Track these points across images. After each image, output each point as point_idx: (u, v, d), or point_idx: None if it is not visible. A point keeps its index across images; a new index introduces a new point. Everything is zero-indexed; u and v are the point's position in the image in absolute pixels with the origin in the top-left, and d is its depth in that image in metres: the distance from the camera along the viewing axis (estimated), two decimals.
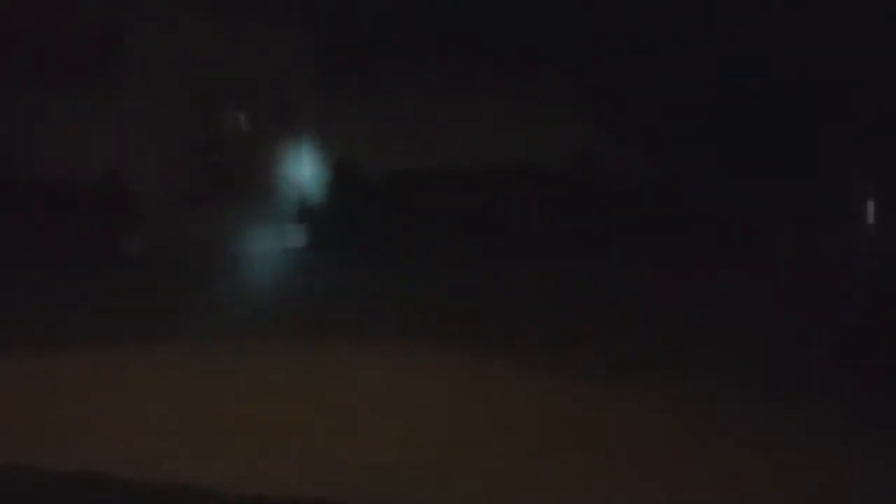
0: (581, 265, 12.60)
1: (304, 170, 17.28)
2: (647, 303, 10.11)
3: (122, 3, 16.85)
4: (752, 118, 16.05)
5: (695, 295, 10.49)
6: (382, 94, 16.95)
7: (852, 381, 7.09)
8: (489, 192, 15.90)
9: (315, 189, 16.82)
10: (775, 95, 16.04)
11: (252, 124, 18.33)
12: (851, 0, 15.30)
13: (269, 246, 15.51)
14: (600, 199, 15.95)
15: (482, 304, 10.21)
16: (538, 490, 4.92)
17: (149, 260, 14.79)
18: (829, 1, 15.52)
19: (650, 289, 10.91)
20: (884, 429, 5.81)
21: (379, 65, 16.53)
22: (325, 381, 7.44)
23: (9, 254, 13.35)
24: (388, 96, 16.95)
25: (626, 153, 16.51)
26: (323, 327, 9.42)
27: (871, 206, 16.09)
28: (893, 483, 4.95)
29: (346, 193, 16.14)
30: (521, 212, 15.72)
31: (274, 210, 16.73)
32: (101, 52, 16.45)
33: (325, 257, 14.51)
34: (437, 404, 6.72)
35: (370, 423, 6.24)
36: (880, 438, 5.63)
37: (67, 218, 15.15)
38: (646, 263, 12.44)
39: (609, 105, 16.41)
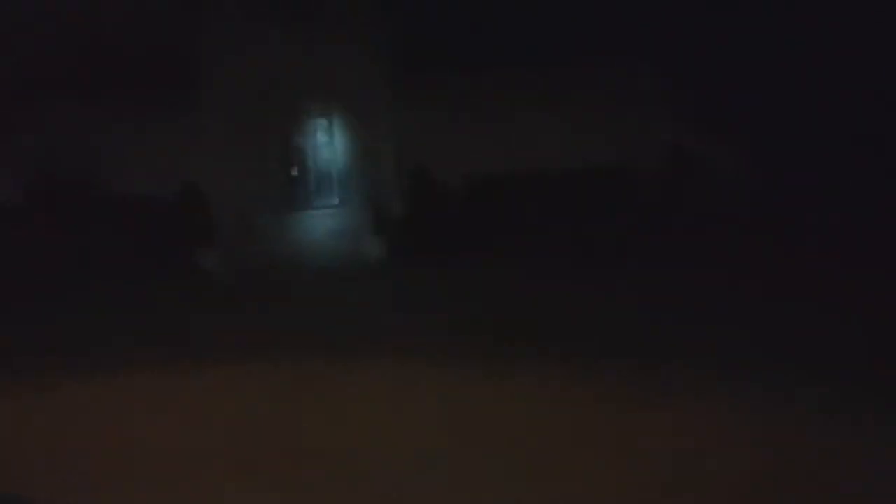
0: (675, 273, 11.63)
1: (383, 177, 16.90)
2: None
3: (199, 18, 16.89)
4: (855, 113, 14.95)
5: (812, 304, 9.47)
6: (462, 96, 16.48)
7: None
8: (575, 195, 15.13)
9: (395, 197, 16.40)
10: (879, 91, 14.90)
11: (330, 134, 18.12)
12: None
13: (352, 256, 15.09)
14: (693, 200, 15.02)
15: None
16: None
17: (237, 274, 14.48)
18: None
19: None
20: None
21: (457, 67, 16.06)
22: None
23: (112, 268, 13.39)
24: (468, 99, 16.48)
25: (720, 151, 15.60)
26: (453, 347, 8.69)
27: None
28: None
29: (427, 200, 15.63)
30: (610, 215, 14.88)
31: (355, 219, 16.38)
32: (181, 68, 16.47)
33: (408, 266, 13.91)
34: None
35: None
36: None
37: (153, 232, 15.09)
38: (752, 273, 11.31)
39: (701, 100, 15.48)
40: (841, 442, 5.42)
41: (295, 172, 18.50)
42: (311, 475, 5.38)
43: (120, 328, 10.33)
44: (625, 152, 15.49)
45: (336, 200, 17.90)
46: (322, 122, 18.48)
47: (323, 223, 17.09)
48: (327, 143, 18.30)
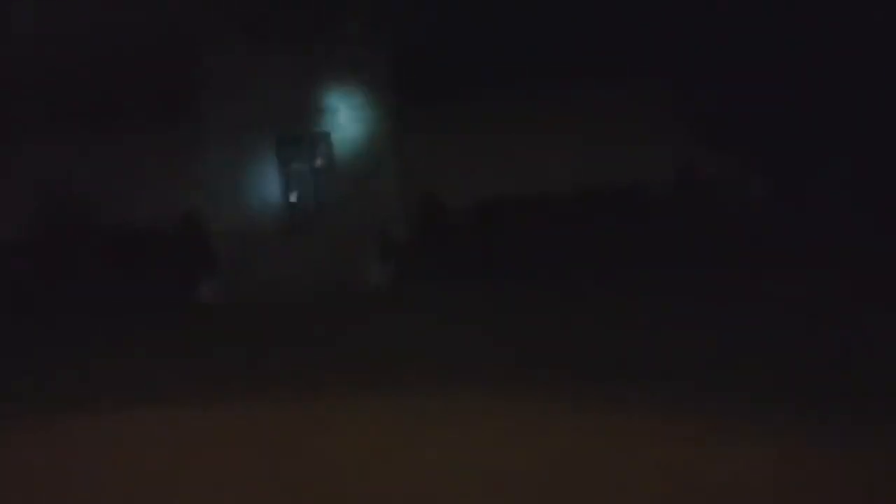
0: (691, 300, 11.16)
1: (387, 204, 16.48)
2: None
3: (196, 45, 16.54)
4: (869, 129, 14.64)
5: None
6: (466, 120, 16.14)
7: None
8: (585, 216, 14.74)
9: (399, 221, 15.98)
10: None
11: (331, 160, 17.71)
12: None
13: (357, 285, 14.60)
14: (706, 220, 14.66)
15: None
16: None
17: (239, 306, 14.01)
18: None
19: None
20: None
21: (462, 89, 15.73)
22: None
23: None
24: (472, 122, 16.14)
25: (732, 170, 15.28)
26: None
27: None
28: None
29: (433, 225, 15.21)
30: (620, 237, 14.47)
31: (359, 247, 15.92)
32: (176, 96, 16.10)
33: (417, 295, 13.45)
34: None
35: None
36: None
37: (147, 263, 14.66)
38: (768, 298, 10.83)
39: (711, 118, 15.18)
40: None
41: (294, 199, 18.10)
42: None
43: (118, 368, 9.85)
44: (635, 171, 15.13)
45: (338, 226, 17.45)
46: (323, 147, 18.10)
47: (325, 250, 16.62)
48: (329, 168, 17.88)
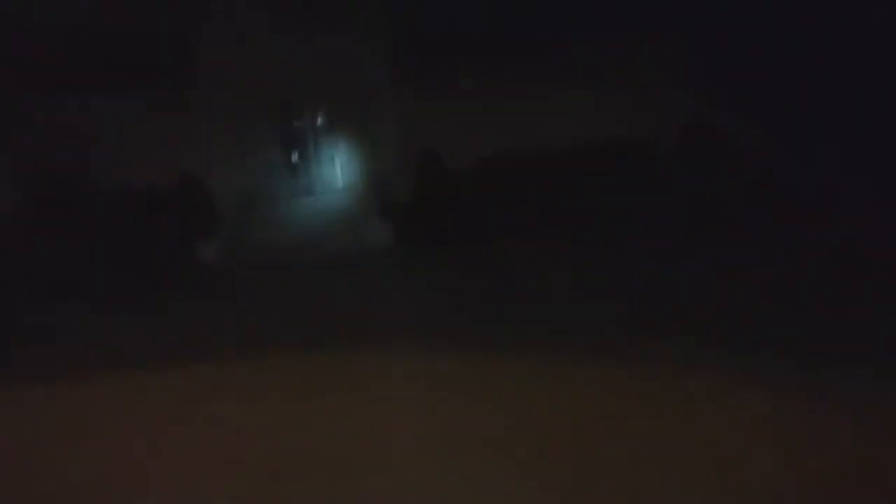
0: (699, 257, 11.02)
1: (386, 163, 16.27)
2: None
3: (193, 5, 16.23)
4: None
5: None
6: (464, 72, 15.80)
7: None
8: (587, 174, 14.47)
9: (399, 183, 15.77)
10: None
11: (330, 118, 17.49)
12: None
13: (357, 246, 14.46)
14: (712, 178, 14.39)
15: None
16: None
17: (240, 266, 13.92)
18: None
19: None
20: None
21: (464, 45, 15.38)
22: None
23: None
24: (470, 75, 15.80)
25: (739, 126, 14.95)
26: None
27: None
28: None
29: (436, 184, 14.98)
30: (624, 195, 14.22)
31: (358, 208, 15.77)
32: (174, 54, 15.84)
33: (417, 255, 13.30)
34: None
35: None
36: None
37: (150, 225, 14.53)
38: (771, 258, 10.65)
39: (718, 70, 14.81)
40: None
41: (295, 159, 17.93)
42: None
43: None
44: (639, 127, 14.83)
45: (339, 187, 17.30)
46: (323, 107, 17.85)
47: (326, 210, 16.50)
48: (329, 129, 17.67)
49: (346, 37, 16.42)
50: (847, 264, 9.38)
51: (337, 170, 17.56)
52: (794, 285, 8.88)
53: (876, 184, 13.09)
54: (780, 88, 14.64)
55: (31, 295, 12.26)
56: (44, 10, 15.50)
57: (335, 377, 7.11)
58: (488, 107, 15.79)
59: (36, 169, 15.52)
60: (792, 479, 4.36)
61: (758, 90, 14.71)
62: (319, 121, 18.09)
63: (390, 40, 16.17)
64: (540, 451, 5.04)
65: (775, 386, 5.75)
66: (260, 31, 16.39)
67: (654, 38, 15.28)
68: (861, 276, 8.82)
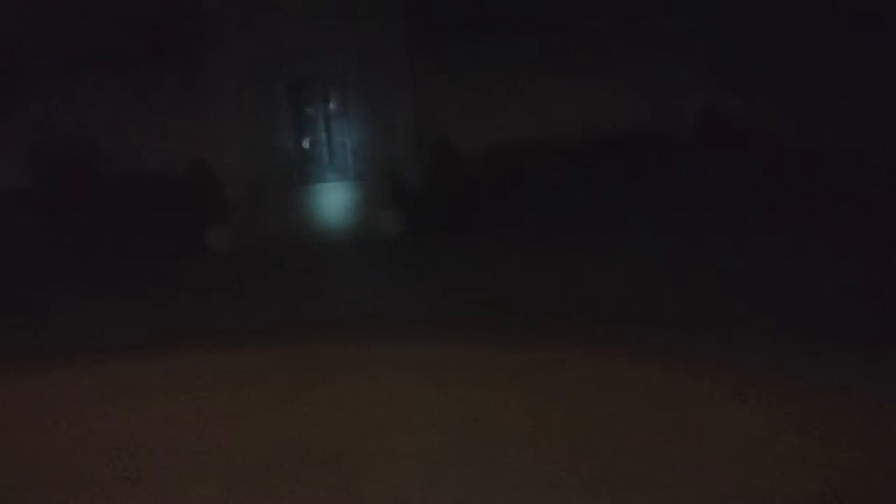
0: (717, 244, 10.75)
1: (399, 150, 16.05)
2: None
3: None
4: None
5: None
6: (479, 61, 15.57)
7: None
8: (603, 162, 14.18)
9: (413, 168, 15.55)
10: None
11: (343, 105, 17.27)
12: None
13: (370, 233, 14.25)
14: (730, 165, 14.08)
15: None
16: None
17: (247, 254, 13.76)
18: None
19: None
20: None
21: (478, 30, 15.13)
22: None
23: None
24: (485, 63, 15.56)
25: (757, 112, 14.65)
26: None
27: None
28: None
29: (449, 171, 14.73)
30: (641, 183, 13.92)
31: (371, 195, 15.54)
32: (185, 39, 15.63)
33: (430, 243, 13.07)
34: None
35: None
36: None
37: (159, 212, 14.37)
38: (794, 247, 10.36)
39: (736, 55, 14.49)
40: None
41: (307, 145, 17.74)
42: None
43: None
44: (656, 114, 14.55)
45: (351, 173, 17.08)
46: (335, 91, 17.62)
47: (337, 198, 16.28)
48: (341, 113, 17.45)
49: (360, 22, 16.18)
50: (872, 252, 9.12)
51: (349, 156, 17.33)
52: (812, 275, 8.62)
53: None
54: (798, 73, 14.36)
55: (36, 277, 12.18)
56: None
57: (343, 366, 6.90)
58: (503, 93, 15.57)
59: (45, 153, 15.42)
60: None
61: (775, 75, 14.42)
62: (332, 106, 17.87)
63: (405, 26, 15.94)
64: (557, 445, 4.80)
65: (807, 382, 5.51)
66: (272, 14, 16.16)
67: (672, 22, 14.99)
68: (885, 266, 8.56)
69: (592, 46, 15.44)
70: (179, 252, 13.10)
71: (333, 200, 16.15)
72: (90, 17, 15.09)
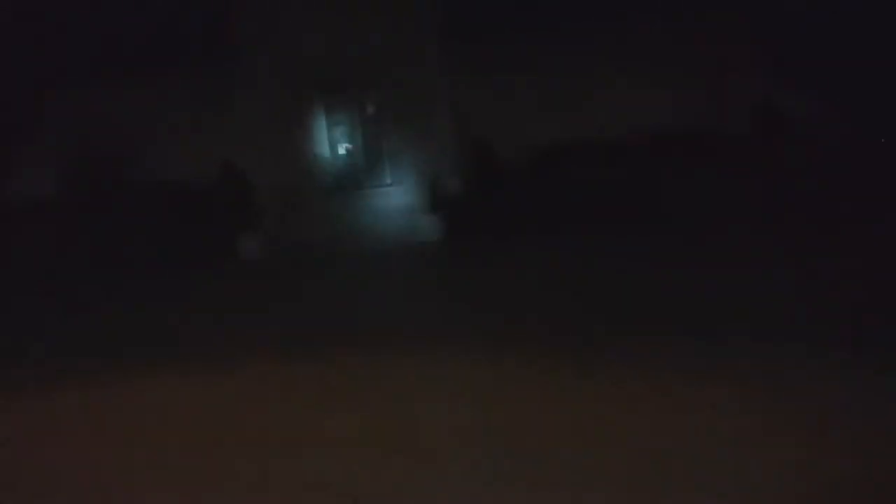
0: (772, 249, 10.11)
1: (437, 155, 15.59)
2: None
3: None
4: None
5: None
6: (520, 63, 15.05)
7: None
8: (652, 163, 13.55)
9: (453, 173, 15.08)
10: None
11: (378, 110, 16.85)
12: None
13: (407, 241, 13.81)
14: (785, 163, 13.37)
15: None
16: None
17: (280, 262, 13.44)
18: None
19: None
20: None
21: (518, 31, 14.64)
22: None
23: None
24: (526, 65, 15.04)
25: (813, 107, 13.92)
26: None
27: None
28: None
29: (490, 176, 14.22)
30: (690, 185, 13.25)
31: (408, 201, 15.11)
32: (216, 43, 15.42)
33: (468, 250, 12.59)
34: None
35: None
36: None
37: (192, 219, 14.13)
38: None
39: (791, 49, 13.80)
40: None
41: (343, 150, 17.37)
42: None
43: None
44: (707, 112, 13.88)
45: (389, 179, 16.64)
46: (373, 95, 17.23)
47: (376, 203, 15.87)
48: (376, 118, 17.04)
49: (396, 25, 15.78)
50: None
51: (385, 162, 16.90)
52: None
53: None
54: (851, 68, 13.66)
55: (66, 286, 12.07)
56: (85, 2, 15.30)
57: (379, 375, 6.58)
58: (541, 95, 15.05)
59: (75, 160, 15.32)
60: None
61: (829, 71, 13.72)
62: (368, 110, 17.47)
63: (441, 29, 15.51)
64: (586, 457, 4.52)
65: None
66: (307, 17, 15.84)
67: (721, 19, 14.34)
68: None
69: (637, 44, 14.84)
70: (211, 260, 12.85)
71: (370, 208, 15.74)
72: (122, 24, 14.99)
